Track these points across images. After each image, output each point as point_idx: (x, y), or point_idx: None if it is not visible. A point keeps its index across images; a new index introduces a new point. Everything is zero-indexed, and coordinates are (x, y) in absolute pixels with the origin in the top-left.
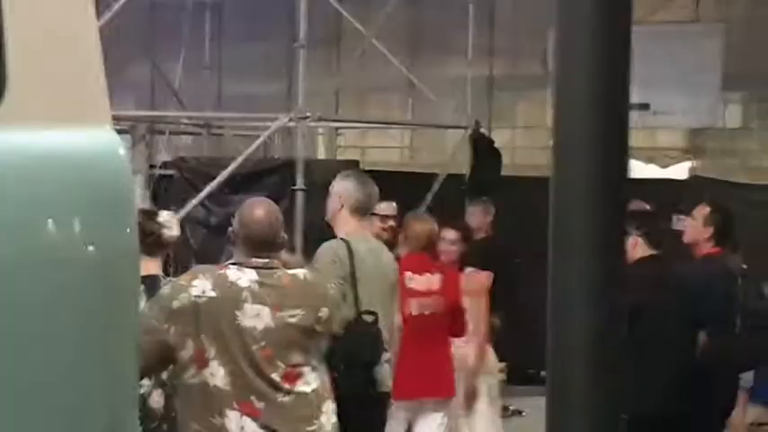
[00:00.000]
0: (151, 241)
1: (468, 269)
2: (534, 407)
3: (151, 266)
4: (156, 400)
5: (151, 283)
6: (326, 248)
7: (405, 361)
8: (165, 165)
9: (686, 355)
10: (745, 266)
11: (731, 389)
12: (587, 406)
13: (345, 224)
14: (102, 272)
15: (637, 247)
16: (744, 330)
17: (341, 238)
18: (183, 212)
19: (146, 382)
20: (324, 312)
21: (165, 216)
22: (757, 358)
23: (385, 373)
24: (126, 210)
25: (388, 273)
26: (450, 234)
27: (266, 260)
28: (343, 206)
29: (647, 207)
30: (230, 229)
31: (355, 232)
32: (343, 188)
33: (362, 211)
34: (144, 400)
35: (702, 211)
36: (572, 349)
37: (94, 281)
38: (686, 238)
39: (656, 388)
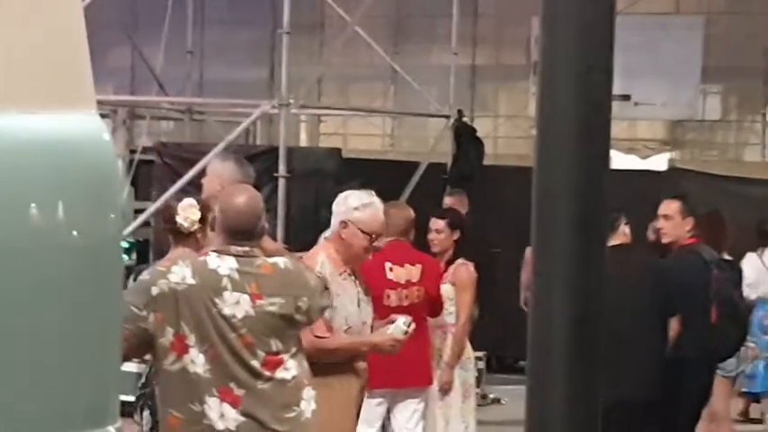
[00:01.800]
0: (173, 230)
1: (459, 260)
2: (513, 395)
3: (177, 255)
4: None
5: None
6: None
7: None
8: (145, 150)
9: (659, 342)
10: (727, 257)
11: (707, 378)
12: (567, 394)
13: None
14: (85, 258)
15: (618, 236)
16: (719, 319)
17: None
18: (163, 198)
19: None
20: (303, 302)
21: (183, 204)
22: (734, 347)
23: None
24: (110, 195)
25: None
26: (435, 224)
27: (246, 248)
28: (223, 188)
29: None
30: (211, 215)
31: None
32: (223, 170)
33: None
34: None
35: (673, 206)
36: (553, 339)
37: (78, 267)
38: (667, 238)
39: (628, 375)
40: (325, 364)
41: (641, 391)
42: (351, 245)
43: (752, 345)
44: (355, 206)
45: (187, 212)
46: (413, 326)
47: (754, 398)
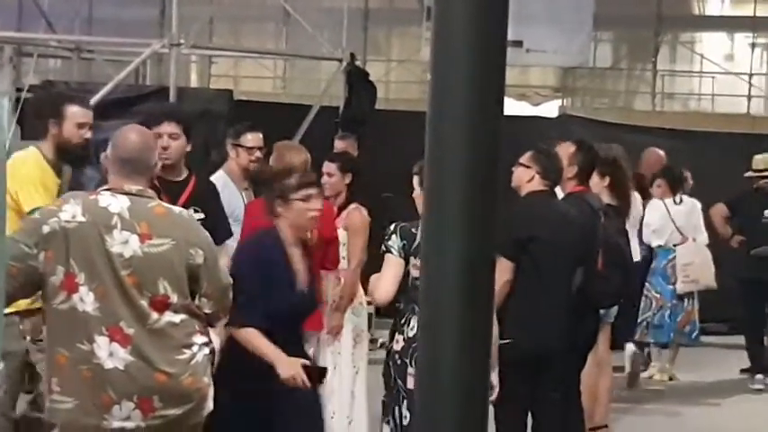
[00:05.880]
0: None
1: (352, 205)
2: None
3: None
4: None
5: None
6: None
7: None
8: (32, 88)
9: (565, 291)
10: (611, 203)
11: (594, 325)
12: (459, 338)
13: None
14: None
15: (532, 181)
16: (605, 266)
17: None
18: None
19: None
20: (196, 252)
21: None
22: (619, 295)
23: None
24: None
25: None
26: (326, 167)
27: (140, 187)
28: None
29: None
30: (103, 155)
31: None
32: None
33: None
34: None
35: (567, 150)
36: (444, 285)
37: None
38: None
39: (540, 323)
40: None
41: (547, 340)
42: None
43: (657, 294)
44: None
45: None
46: None
47: (662, 346)
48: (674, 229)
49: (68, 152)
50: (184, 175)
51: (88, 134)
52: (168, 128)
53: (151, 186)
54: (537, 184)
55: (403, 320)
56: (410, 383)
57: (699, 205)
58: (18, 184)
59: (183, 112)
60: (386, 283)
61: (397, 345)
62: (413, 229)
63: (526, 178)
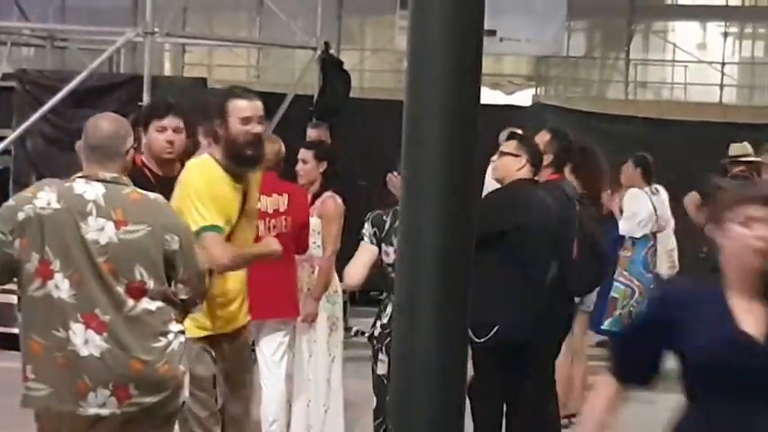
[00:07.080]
0: None
1: (327, 193)
2: None
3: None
4: None
5: None
6: None
7: (249, 281)
8: (6, 77)
9: (542, 279)
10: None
11: (567, 314)
12: (434, 325)
13: None
14: None
15: (523, 169)
16: (580, 255)
17: None
18: (24, 125)
19: None
20: (172, 237)
21: None
22: (593, 283)
23: None
24: None
25: None
26: (301, 154)
27: (115, 175)
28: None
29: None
30: (78, 143)
31: None
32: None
33: None
34: None
35: (542, 138)
36: (422, 270)
37: None
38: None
39: (516, 311)
40: None
41: (535, 329)
42: None
43: (637, 282)
44: None
45: None
46: None
47: None
48: (656, 218)
49: (238, 152)
50: (177, 170)
51: (257, 128)
52: (173, 122)
53: (144, 178)
54: (526, 173)
55: (382, 307)
56: (379, 369)
57: (666, 194)
58: (180, 198)
59: (185, 105)
60: (355, 269)
61: (376, 331)
62: (384, 217)
63: (516, 167)
